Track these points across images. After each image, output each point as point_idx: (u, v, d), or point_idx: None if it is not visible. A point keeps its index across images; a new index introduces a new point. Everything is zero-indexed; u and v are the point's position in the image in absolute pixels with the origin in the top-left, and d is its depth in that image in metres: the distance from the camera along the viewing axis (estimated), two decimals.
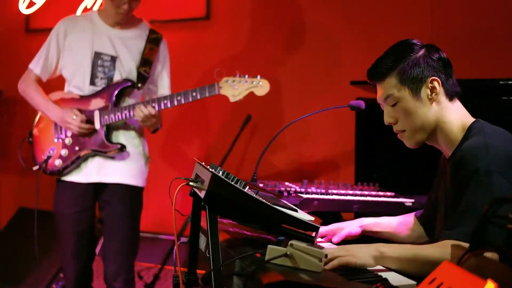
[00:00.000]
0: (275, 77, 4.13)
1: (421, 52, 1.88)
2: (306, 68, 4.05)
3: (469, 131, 1.84)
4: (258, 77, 2.98)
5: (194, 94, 2.98)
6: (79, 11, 4.63)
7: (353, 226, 2.12)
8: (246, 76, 2.99)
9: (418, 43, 1.91)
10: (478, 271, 1.00)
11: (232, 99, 2.98)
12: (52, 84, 3.32)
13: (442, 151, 1.97)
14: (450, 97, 1.89)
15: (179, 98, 3.01)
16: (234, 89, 2.97)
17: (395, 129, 1.95)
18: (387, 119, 1.95)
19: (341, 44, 3.92)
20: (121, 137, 3.14)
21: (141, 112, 2.99)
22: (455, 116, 1.89)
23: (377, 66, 1.92)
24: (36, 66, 3.21)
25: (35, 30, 4.94)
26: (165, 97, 3.03)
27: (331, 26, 3.96)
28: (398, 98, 1.89)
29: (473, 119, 1.89)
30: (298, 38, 4.07)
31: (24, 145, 3.29)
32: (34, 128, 3.28)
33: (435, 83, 1.86)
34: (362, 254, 1.64)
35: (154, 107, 3.00)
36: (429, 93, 1.86)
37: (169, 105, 3.02)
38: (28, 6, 4.96)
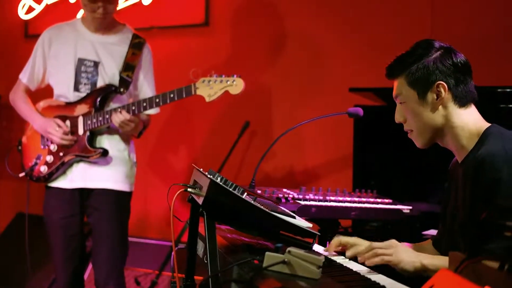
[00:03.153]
0: (273, 84, 4.14)
1: (434, 55, 1.87)
2: (304, 75, 4.05)
3: (485, 136, 1.82)
4: (235, 76, 2.97)
5: (171, 95, 2.98)
6: (78, 17, 4.62)
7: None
8: (223, 75, 2.97)
9: (436, 45, 1.90)
10: (476, 278, 1.00)
11: (207, 99, 2.96)
12: (44, 91, 3.33)
13: (454, 154, 1.95)
14: (461, 103, 1.87)
15: (157, 100, 3.01)
16: (210, 89, 2.95)
17: (404, 128, 1.97)
18: (397, 117, 1.98)
19: (340, 51, 3.92)
20: (105, 142, 3.14)
21: (117, 118, 3.00)
22: (467, 121, 1.87)
23: (393, 64, 1.95)
24: (24, 76, 3.26)
25: (34, 36, 4.91)
26: (144, 100, 3.03)
27: (330, 33, 3.96)
28: (406, 98, 1.91)
29: (487, 124, 1.87)
30: (297, 45, 4.08)
31: (14, 152, 3.31)
32: (23, 136, 3.31)
33: (441, 88, 1.85)
34: (407, 261, 1.74)
35: (128, 112, 2.99)
36: (435, 97, 1.86)
37: (148, 107, 3.01)
38: (27, 12, 4.97)
